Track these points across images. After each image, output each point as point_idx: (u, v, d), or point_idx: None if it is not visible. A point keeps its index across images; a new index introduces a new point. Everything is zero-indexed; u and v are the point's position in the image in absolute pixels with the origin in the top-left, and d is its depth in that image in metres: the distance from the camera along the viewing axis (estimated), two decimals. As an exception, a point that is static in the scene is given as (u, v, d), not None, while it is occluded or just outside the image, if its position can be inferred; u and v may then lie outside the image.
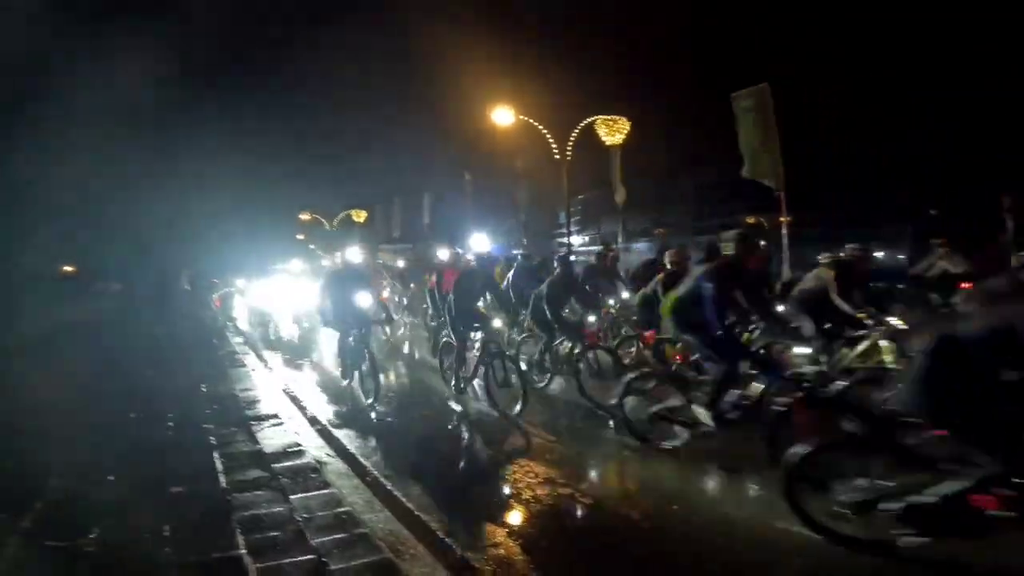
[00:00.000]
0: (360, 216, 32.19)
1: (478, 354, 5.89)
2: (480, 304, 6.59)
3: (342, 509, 3.46)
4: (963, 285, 6.75)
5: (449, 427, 5.59)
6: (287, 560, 2.86)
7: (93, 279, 27.93)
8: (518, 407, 5.31)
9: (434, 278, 8.51)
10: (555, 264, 7.09)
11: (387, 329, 9.42)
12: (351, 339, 6.39)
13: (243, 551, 2.93)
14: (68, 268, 32.60)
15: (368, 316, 6.80)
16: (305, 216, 36.07)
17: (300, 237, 39.67)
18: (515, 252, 11.34)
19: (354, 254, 8.12)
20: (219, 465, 4.14)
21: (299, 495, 3.64)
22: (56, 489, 3.73)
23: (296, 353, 10.35)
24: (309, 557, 2.89)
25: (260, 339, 12.46)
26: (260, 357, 9.61)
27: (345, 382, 6.55)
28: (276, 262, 23.44)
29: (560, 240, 26.32)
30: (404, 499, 3.71)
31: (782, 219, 10.51)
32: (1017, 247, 8.13)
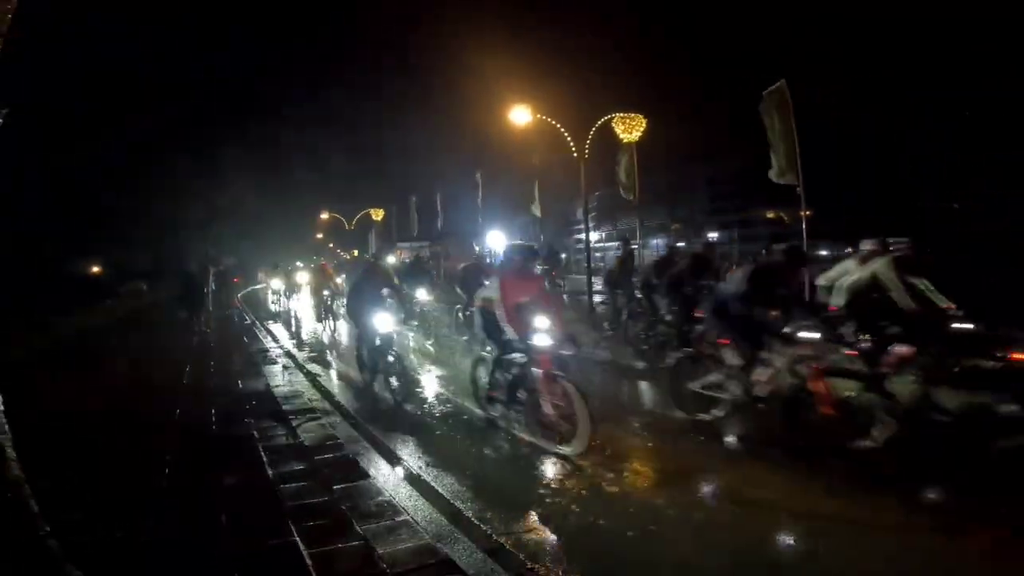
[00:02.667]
0: (378, 215, 32.57)
1: None
2: None
3: (383, 498, 3.65)
4: None
5: (477, 418, 5.76)
6: (337, 546, 3.05)
7: (121, 279, 28.65)
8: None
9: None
10: None
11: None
12: None
13: (296, 538, 3.13)
14: (95, 269, 33.52)
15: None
16: (324, 215, 36.65)
17: (319, 236, 40.34)
18: None
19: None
20: (264, 457, 4.38)
21: (341, 485, 3.84)
22: (118, 482, 3.98)
23: (322, 349, 10.64)
24: (358, 543, 3.10)
25: (287, 336, 12.78)
26: (288, 354, 9.90)
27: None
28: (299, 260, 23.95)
29: (577, 237, 26.31)
30: (439, 488, 3.91)
31: (802, 213, 10.52)
32: None
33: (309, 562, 2.89)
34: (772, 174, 9.93)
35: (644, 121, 13.80)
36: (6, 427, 1.86)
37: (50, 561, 1.74)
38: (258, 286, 28.69)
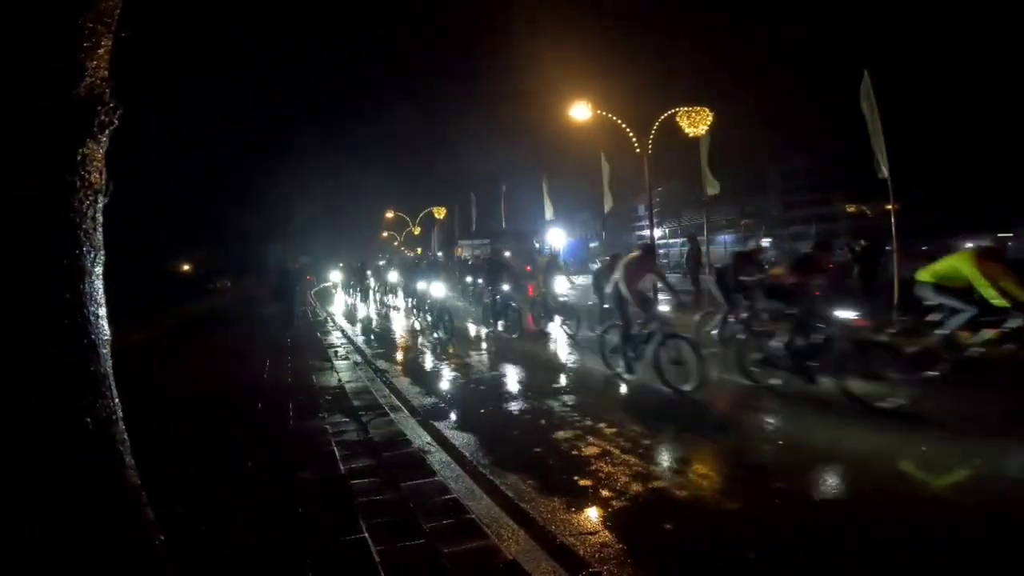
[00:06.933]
0: (440, 213, 33.28)
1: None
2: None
3: (448, 496, 3.69)
4: None
5: (541, 417, 5.77)
6: (404, 544, 3.09)
7: (207, 276, 30.85)
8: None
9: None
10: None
11: None
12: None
13: (366, 535, 3.20)
14: (186, 267, 36.30)
15: None
16: (389, 214, 37.89)
17: (385, 235, 41.74)
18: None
19: None
20: (337, 453, 4.57)
21: (408, 483, 3.91)
22: (201, 474, 4.23)
23: (390, 345, 11.00)
24: (423, 541, 3.14)
25: (357, 333, 13.31)
26: (359, 350, 10.30)
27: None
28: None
29: (639, 233, 25.77)
30: (503, 487, 3.92)
31: (889, 207, 9.85)
32: None
33: (377, 559, 2.97)
34: (885, 169, 9.35)
35: (711, 115, 13.31)
36: (125, 435, 2.01)
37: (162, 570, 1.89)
38: (328, 284, 30.06)
